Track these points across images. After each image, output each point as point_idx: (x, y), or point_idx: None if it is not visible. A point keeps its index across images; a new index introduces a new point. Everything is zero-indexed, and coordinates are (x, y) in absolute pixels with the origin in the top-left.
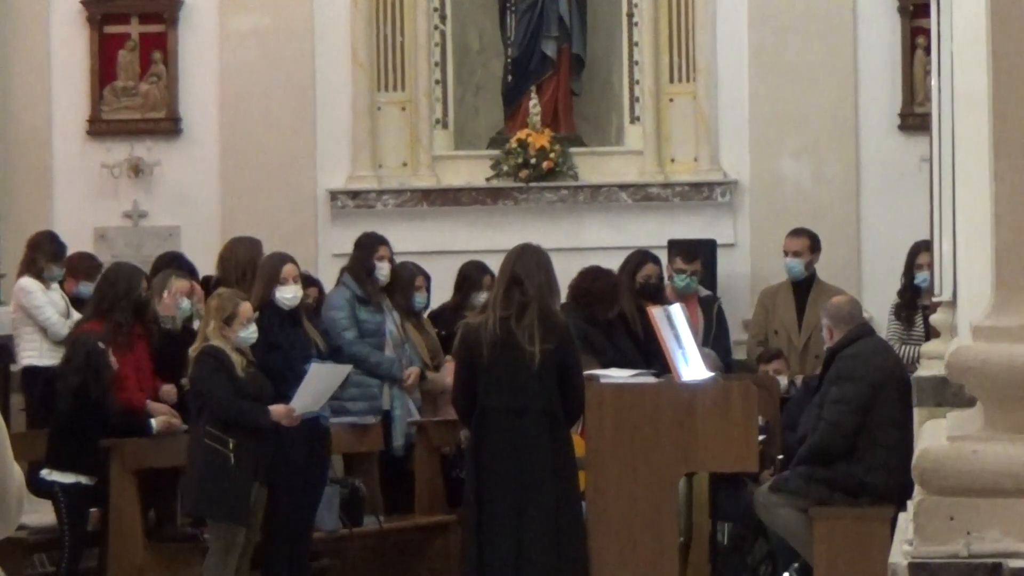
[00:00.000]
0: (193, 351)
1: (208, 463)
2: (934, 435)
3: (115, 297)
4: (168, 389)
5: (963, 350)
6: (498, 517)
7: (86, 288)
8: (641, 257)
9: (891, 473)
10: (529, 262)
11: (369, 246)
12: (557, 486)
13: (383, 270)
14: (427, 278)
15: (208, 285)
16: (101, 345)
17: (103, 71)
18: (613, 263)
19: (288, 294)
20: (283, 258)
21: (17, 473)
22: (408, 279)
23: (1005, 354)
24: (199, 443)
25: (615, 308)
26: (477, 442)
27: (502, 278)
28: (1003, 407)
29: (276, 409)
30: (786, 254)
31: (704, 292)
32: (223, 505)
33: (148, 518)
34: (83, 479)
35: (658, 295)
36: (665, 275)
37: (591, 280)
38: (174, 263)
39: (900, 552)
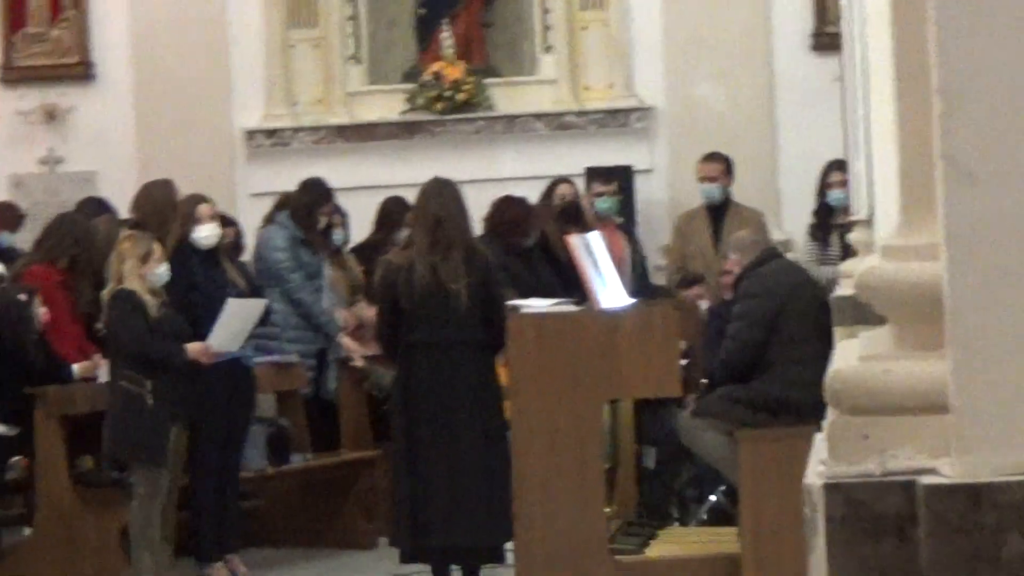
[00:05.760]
0: (106, 294)
1: (125, 406)
2: (846, 355)
3: (66, 245)
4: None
5: (872, 270)
6: (429, 450)
7: (7, 238)
8: (554, 182)
9: (808, 388)
10: (448, 200)
11: (317, 197)
12: (485, 417)
13: (323, 223)
14: (343, 215)
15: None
16: (22, 297)
17: (13, 17)
18: (531, 193)
19: (203, 233)
20: (197, 198)
21: None
22: None
23: (913, 273)
24: (116, 386)
25: (531, 236)
26: (404, 377)
27: (422, 218)
28: (913, 326)
29: (192, 347)
30: (701, 180)
31: (618, 220)
32: (141, 447)
33: (76, 465)
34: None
35: (578, 214)
36: (585, 203)
37: (504, 209)
38: (98, 208)
39: (814, 473)
